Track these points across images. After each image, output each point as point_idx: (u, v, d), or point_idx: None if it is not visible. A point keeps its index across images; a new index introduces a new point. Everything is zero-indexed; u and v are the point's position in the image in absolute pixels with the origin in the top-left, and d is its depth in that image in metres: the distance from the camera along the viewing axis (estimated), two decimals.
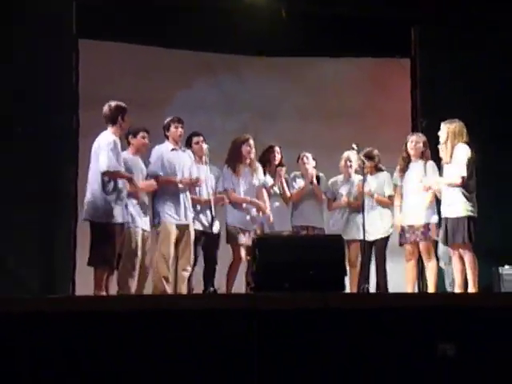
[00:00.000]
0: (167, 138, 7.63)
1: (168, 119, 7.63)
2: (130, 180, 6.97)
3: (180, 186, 7.45)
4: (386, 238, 8.11)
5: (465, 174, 6.94)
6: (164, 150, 7.53)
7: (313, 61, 10.09)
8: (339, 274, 6.13)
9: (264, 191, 8.12)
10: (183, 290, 7.43)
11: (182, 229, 7.45)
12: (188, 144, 7.87)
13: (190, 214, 7.54)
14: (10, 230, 8.26)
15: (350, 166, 8.34)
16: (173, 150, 7.57)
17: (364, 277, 8.01)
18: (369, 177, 8.10)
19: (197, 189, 7.74)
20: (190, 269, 7.52)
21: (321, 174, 8.44)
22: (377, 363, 5.43)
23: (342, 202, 8.29)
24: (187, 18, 9.20)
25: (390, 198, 8.12)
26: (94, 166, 6.78)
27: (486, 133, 8.70)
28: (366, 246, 7.97)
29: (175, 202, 7.43)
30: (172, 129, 7.58)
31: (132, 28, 9.15)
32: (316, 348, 5.39)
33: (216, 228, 7.79)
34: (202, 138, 7.87)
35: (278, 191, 8.27)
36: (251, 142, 8.01)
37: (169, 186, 7.44)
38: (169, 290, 7.26)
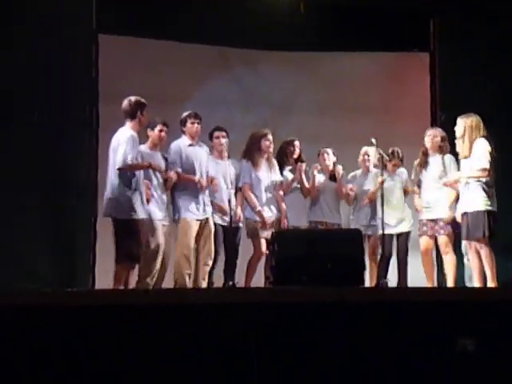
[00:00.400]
0: (183, 132, 7.64)
1: (185, 114, 7.65)
2: (150, 166, 7.01)
3: (199, 184, 7.47)
4: (408, 233, 8.14)
5: (487, 166, 6.95)
6: (182, 146, 7.55)
7: (330, 55, 10.06)
8: (357, 268, 6.17)
9: (280, 190, 8.14)
10: (203, 284, 7.45)
11: (202, 223, 7.48)
12: (210, 138, 7.89)
13: (209, 209, 7.57)
14: (28, 223, 8.29)
15: (368, 161, 8.37)
16: (190, 145, 7.58)
17: (383, 270, 8.03)
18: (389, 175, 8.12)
19: (216, 188, 7.72)
20: (210, 262, 7.54)
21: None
22: (394, 359, 5.44)
23: (367, 200, 8.27)
24: (205, 13, 9.21)
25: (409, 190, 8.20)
26: (113, 162, 6.78)
27: (505, 127, 8.64)
28: (387, 240, 7.99)
29: (194, 197, 7.47)
30: (188, 124, 7.59)
31: (151, 23, 9.18)
32: (332, 341, 5.40)
33: (236, 222, 7.79)
34: (223, 133, 7.84)
35: (298, 185, 8.25)
36: (270, 136, 8.04)
37: (188, 182, 7.46)
38: (189, 284, 7.29)
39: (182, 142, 7.57)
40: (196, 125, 7.60)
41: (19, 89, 8.40)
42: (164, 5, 9.15)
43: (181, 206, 7.44)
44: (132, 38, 9.20)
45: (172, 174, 7.39)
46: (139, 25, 9.15)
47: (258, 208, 7.89)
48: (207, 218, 7.53)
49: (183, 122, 7.62)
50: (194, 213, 7.45)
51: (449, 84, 9.86)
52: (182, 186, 7.47)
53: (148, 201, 7.03)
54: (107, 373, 5.13)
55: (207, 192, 7.59)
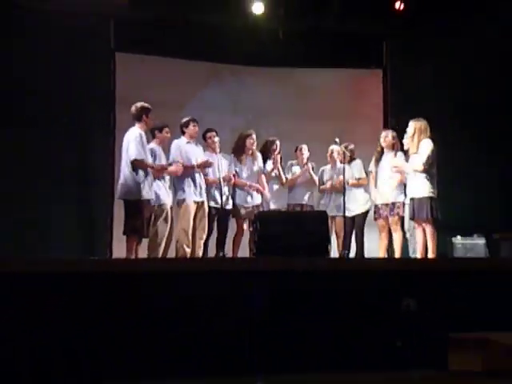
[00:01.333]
0: (183, 133, 7.67)
1: (186, 119, 7.69)
2: (152, 168, 7.03)
3: (196, 169, 7.50)
4: (364, 214, 8.16)
5: (426, 163, 7.02)
6: (181, 143, 7.60)
7: (302, 70, 10.03)
8: (323, 242, 6.16)
9: (263, 176, 8.15)
10: (199, 254, 7.48)
11: (199, 205, 7.52)
12: (203, 138, 7.91)
13: (204, 193, 7.60)
14: (60, 205, 8.42)
15: (335, 157, 8.37)
16: (188, 143, 7.63)
17: (347, 245, 8.08)
18: (346, 165, 8.13)
19: (210, 173, 7.77)
20: (204, 237, 7.58)
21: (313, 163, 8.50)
22: (353, 315, 5.46)
23: (328, 186, 8.33)
24: (201, 35, 9.19)
25: (361, 180, 8.22)
26: (124, 155, 6.85)
27: (446, 129, 8.70)
28: (348, 221, 8.04)
29: (193, 183, 7.50)
30: (190, 127, 7.65)
31: (157, 43, 9.20)
32: (301, 302, 5.43)
33: (228, 205, 7.87)
34: (214, 133, 7.90)
35: (275, 175, 8.29)
36: (254, 136, 8.08)
37: (187, 171, 7.49)
38: (188, 254, 7.31)
39: (182, 141, 7.63)
40: (196, 127, 7.69)
41: (51, 96, 8.54)
42: (168, 29, 9.15)
43: (181, 191, 7.48)
44: (142, 56, 9.23)
45: (176, 167, 7.42)
46: (148, 45, 9.15)
47: (249, 183, 7.97)
48: (203, 201, 7.56)
49: (186, 125, 7.66)
50: (192, 195, 7.48)
51: (398, 94, 9.93)
52: (182, 174, 7.49)
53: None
54: (123, 326, 5.11)
55: (203, 179, 7.61)
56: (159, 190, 7.28)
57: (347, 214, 7.98)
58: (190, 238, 7.41)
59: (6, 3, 8.31)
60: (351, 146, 8.36)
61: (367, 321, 5.48)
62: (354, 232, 8.23)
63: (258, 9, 9.15)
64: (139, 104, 6.95)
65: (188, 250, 7.32)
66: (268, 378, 5.01)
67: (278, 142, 8.33)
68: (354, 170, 8.27)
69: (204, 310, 5.25)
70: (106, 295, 5.13)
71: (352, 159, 8.34)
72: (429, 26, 9.57)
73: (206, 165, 7.63)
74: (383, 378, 5.20)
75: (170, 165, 7.45)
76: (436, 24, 9.52)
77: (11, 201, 8.10)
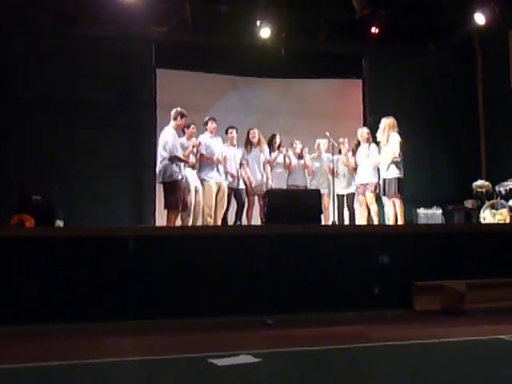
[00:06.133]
0: (206, 129, 7.60)
1: (207, 118, 7.63)
2: (186, 162, 7.00)
3: (215, 161, 7.43)
4: (353, 193, 7.97)
5: (398, 152, 7.01)
6: (205, 138, 7.51)
7: (299, 81, 9.97)
8: (316, 213, 6.16)
9: (268, 165, 8.01)
10: (219, 222, 7.41)
11: (218, 185, 7.48)
12: (226, 133, 7.86)
13: (223, 176, 7.52)
14: (115, 186, 8.54)
15: (321, 149, 8.22)
16: (210, 137, 7.57)
17: (340, 218, 7.92)
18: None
19: (228, 162, 7.64)
20: (223, 211, 7.52)
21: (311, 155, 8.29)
22: (341, 267, 5.54)
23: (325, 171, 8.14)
24: (222, 54, 9.13)
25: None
26: (162, 148, 6.81)
27: (410, 125, 8.65)
28: (340, 198, 7.95)
29: (214, 169, 7.45)
30: (209, 124, 7.55)
31: (189, 61, 9.14)
32: (302, 258, 5.52)
33: (242, 185, 7.81)
34: (234, 130, 7.83)
35: (281, 162, 8.11)
36: (255, 130, 7.93)
37: (210, 160, 7.43)
38: (211, 223, 7.29)
39: (206, 136, 7.54)
40: (214, 124, 7.57)
41: (108, 102, 8.74)
42: (197, 49, 9.02)
43: (205, 175, 7.39)
44: (177, 71, 9.20)
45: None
46: (182, 62, 9.13)
47: (248, 175, 7.83)
48: (221, 182, 7.52)
49: (206, 123, 7.59)
50: (213, 178, 7.43)
51: (374, 99, 9.87)
52: (206, 163, 7.42)
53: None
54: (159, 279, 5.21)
55: (222, 166, 7.55)
56: (189, 176, 7.17)
57: (339, 192, 7.91)
58: (213, 212, 7.35)
59: (79, 33, 8.57)
60: (345, 140, 8.11)
61: (352, 272, 5.55)
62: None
63: (265, 33, 9.14)
64: (179, 109, 6.94)
65: (210, 220, 7.28)
66: (276, 317, 5.05)
67: (278, 136, 8.20)
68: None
69: (225, 264, 5.32)
70: (152, 256, 5.21)
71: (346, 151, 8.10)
72: (398, 45, 9.57)
73: (222, 162, 7.50)
74: (364, 316, 5.29)
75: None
76: (403, 44, 9.55)
77: (83, 183, 8.37)
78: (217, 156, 7.48)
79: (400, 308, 5.47)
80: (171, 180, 6.73)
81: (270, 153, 8.10)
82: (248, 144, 7.95)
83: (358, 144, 7.79)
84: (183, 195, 6.87)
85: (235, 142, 7.82)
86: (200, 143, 7.31)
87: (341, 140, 8.10)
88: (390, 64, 9.84)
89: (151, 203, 8.69)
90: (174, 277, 5.20)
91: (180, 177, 6.81)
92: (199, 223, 7.22)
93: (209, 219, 7.27)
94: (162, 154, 6.80)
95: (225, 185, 7.55)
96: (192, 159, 7.19)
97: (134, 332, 4.71)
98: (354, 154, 7.84)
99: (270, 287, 5.37)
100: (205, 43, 9.02)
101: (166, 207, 6.81)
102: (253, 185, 7.80)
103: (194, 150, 7.25)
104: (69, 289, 4.99)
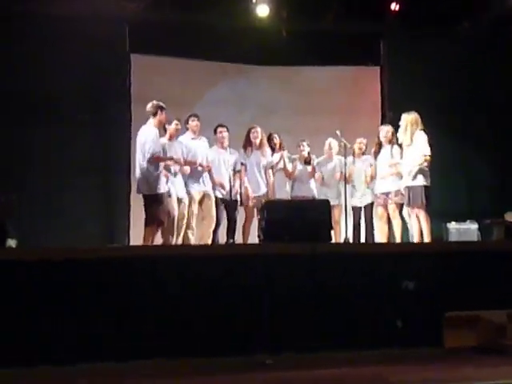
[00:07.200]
0: (187, 129, 7.66)
1: (187, 115, 7.68)
2: (171, 159, 7.05)
3: (199, 167, 7.50)
4: (371, 204, 7.99)
5: (429, 152, 7.01)
6: (186, 139, 7.55)
7: (303, 68, 10.03)
8: (326, 229, 6.10)
9: (270, 171, 8.07)
10: (208, 241, 7.45)
11: (203, 196, 7.52)
12: (214, 132, 7.90)
13: (209, 184, 7.58)
14: (81, 197, 8.49)
15: (332, 150, 8.27)
16: (192, 139, 7.59)
17: (357, 236, 7.95)
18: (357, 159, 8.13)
19: (217, 167, 7.71)
20: (213, 226, 7.55)
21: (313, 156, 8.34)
22: (354, 296, 5.50)
23: (336, 178, 8.16)
24: (209, 36, 9.15)
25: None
26: (140, 151, 6.81)
27: (437, 122, 8.66)
28: (356, 210, 8.00)
29: (197, 177, 7.51)
30: (190, 122, 7.63)
31: (170, 45, 9.18)
32: (307, 284, 5.45)
33: (234, 195, 7.77)
34: (225, 129, 7.87)
35: (281, 166, 8.16)
36: (258, 129, 8.01)
37: (194, 166, 7.48)
38: (194, 241, 7.33)
39: (187, 137, 7.60)
40: (196, 121, 7.64)
41: (70, 95, 8.65)
42: (179, 31, 9.08)
43: (188, 184, 7.45)
44: (155, 57, 9.23)
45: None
46: (161, 46, 9.14)
47: (245, 184, 7.89)
48: (207, 192, 7.55)
49: (186, 121, 7.65)
50: (196, 188, 7.47)
51: (394, 90, 9.90)
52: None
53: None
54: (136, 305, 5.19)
55: (207, 172, 7.58)
56: (174, 184, 7.23)
57: (354, 203, 7.97)
58: (195, 228, 7.40)
59: (31, 12, 8.46)
60: (363, 141, 8.18)
61: (368, 301, 5.50)
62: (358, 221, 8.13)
63: (262, 11, 9.18)
64: (155, 102, 6.94)
65: (192, 238, 7.32)
66: (276, 357, 5.01)
67: (276, 136, 8.24)
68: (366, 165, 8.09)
69: (214, 292, 5.29)
70: (123, 275, 5.17)
71: (363, 154, 8.18)
72: (423, 25, 9.56)
73: (206, 168, 7.57)
74: (383, 354, 5.25)
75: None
76: (429, 23, 9.54)
77: (42, 193, 8.33)
78: (200, 161, 7.51)
79: (427, 345, 5.45)
80: (154, 192, 6.75)
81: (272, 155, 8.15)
82: (248, 146, 7.98)
83: (380, 145, 7.83)
84: (166, 209, 6.91)
85: (226, 143, 7.83)
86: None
87: (358, 140, 8.13)
88: (413, 47, 9.87)
89: (125, 218, 8.71)
90: (150, 308, 5.16)
91: (165, 188, 6.85)
92: (180, 241, 7.22)
93: (191, 237, 7.31)
94: (140, 159, 6.79)
95: (212, 195, 7.58)
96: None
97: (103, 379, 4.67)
98: (374, 157, 7.88)
99: (269, 319, 5.35)
100: (189, 23, 9.07)
101: (147, 224, 6.81)
102: (251, 195, 7.83)
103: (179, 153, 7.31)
104: (16, 326, 4.92)
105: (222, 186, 7.71)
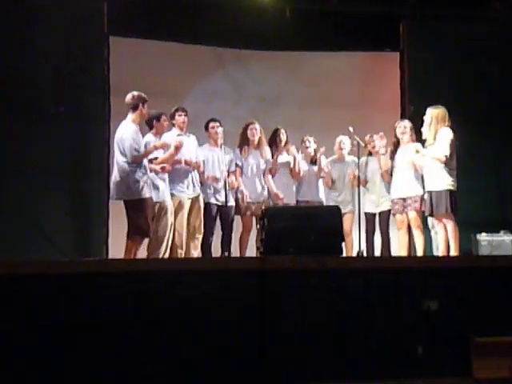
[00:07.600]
0: (173, 125, 7.68)
1: (173, 109, 7.70)
2: (155, 159, 7.08)
3: (186, 166, 7.50)
4: (389, 211, 8.00)
5: (448, 153, 7.03)
6: (171, 137, 7.55)
7: (311, 54, 10.06)
8: (337, 240, 6.10)
9: (269, 175, 8.10)
10: (195, 255, 7.49)
11: (193, 200, 7.54)
12: (206, 128, 7.91)
13: (198, 187, 7.61)
14: (53, 203, 8.41)
15: (344, 149, 8.34)
16: (179, 135, 7.60)
17: (370, 245, 8.02)
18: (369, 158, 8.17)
19: (210, 168, 7.75)
20: (200, 237, 7.57)
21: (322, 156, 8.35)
22: (369, 318, 5.48)
23: (348, 181, 8.23)
24: (201, 17, 9.18)
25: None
26: (119, 151, 6.81)
27: (466, 117, 8.69)
28: (370, 218, 8.04)
29: (185, 178, 7.53)
30: (176, 117, 7.65)
31: (155, 26, 9.21)
32: (313, 302, 5.44)
33: (230, 202, 7.78)
34: (218, 124, 7.88)
35: (290, 165, 8.18)
36: (256, 125, 8.03)
37: (178, 165, 7.48)
38: (180, 255, 7.34)
39: (172, 134, 7.61)
40: (183, 116, 7.67)
41: (43, 85, 8.57)
42: (165, 10, 9.11)
43: (173, 186, 7.46)
44: (138, 40, 9.24)
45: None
46: (144, 28, 9.17)
47: (241, 189, 7.91)
48: (197, 197, 7.58)
49: (172, 116, 7.66)
50: (185, 191, 7.49)
51: (416, 80, 9.92)
52: (174, 169, 7.46)
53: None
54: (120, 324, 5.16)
55: (196, 173, 7.61)
56: (159, 187, 7.25)
57: (369, 210, 8.00)
58: (184, 238, 7.42)
59: None
60: (380, 137, 8.11)
61: (386, 324, 5.49)
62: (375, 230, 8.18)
63: None
64: (136, 93, 6.91)
65: (181, 252, 7.34)
66: None
67: (282, 131, 8.24)
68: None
69: (206, 314, 5.28)
70: (101, 294, 5.14)
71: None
72: (448, 4, 9.59)
73: (195, 166, 7.58)
74: None
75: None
76: (455, 3, 9.57)
77: (5, 199, 8.19)
78: (189, 160, 7.53)
79: (453, 375, 5.44)
80: (136, 197, 6.75)
81: (273, 156, 8.16)
82: (244, 144, 7.99)
83: (397, 144, 7.84)
84: (153, 217, 6.95)
85: (220, 140, 7.82)
86: (179, 143, 7.31)
87: (375, 137, 8.10)
88: (437, 31, 9.87)
89: (102, 227, 8.71)
90: (131, 331, 5.16)
91: (148, 193, 6.84)
92: (167, 255, 7.24)
93: (179, 250, 7.33)
94: (119, 159, 6.79)
95: (201, 199, 7.62)
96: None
97: None
98: (391, 157, 7.89)
99: (268, 348, 5.33)
100: (178, 1, 9.09)
101: (129, 234, 6.83)
102: (247, 200, 7.84)
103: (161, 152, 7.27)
104: None
105: (215, 179, 7.72)
